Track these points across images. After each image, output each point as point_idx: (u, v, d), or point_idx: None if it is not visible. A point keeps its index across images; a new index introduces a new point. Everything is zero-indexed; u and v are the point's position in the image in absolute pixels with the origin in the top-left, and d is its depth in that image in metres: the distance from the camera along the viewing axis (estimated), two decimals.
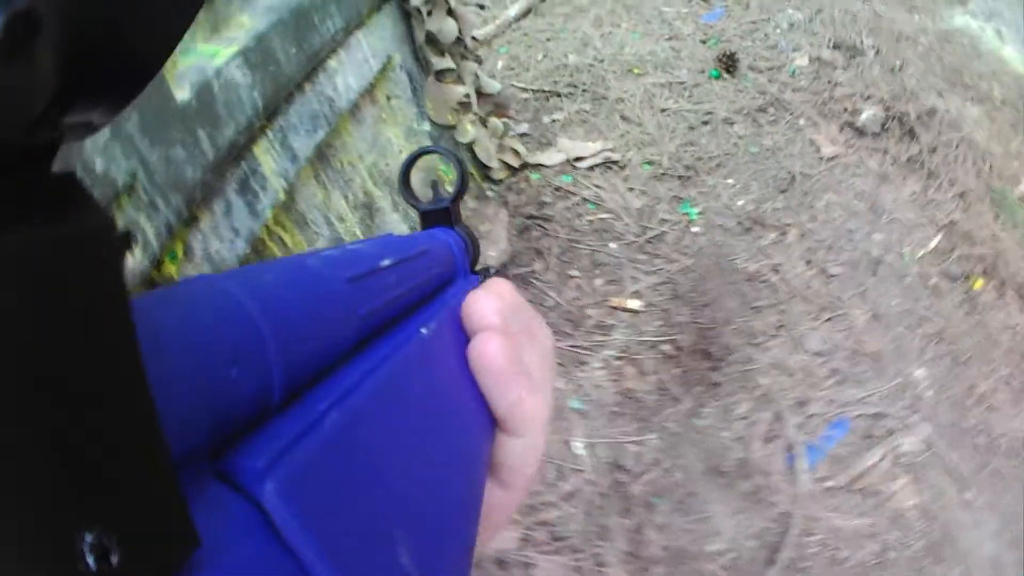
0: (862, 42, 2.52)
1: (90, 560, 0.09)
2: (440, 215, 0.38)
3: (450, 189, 0.38)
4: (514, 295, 0.29)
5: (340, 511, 0.16)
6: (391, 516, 0.19)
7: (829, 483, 1.54)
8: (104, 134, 0.74)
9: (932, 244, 2.01)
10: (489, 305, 0.27)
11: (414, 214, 0.39)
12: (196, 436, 0.14)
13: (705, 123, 2.03)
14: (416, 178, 0.40)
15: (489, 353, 0.26)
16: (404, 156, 1.56)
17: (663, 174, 1.88)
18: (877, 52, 2.50)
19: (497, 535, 0.30)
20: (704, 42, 2.37)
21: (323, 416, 0.17)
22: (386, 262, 0.25)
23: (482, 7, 2.46)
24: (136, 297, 0.13)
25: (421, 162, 0.41)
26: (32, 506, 0.09)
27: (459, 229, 0.37)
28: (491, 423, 0.27)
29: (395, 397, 0.21)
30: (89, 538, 0.10)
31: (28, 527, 0.09)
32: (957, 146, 2.30)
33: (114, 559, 0.10)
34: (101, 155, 0.73)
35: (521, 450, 0.27)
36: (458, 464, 0.24)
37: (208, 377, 0.14)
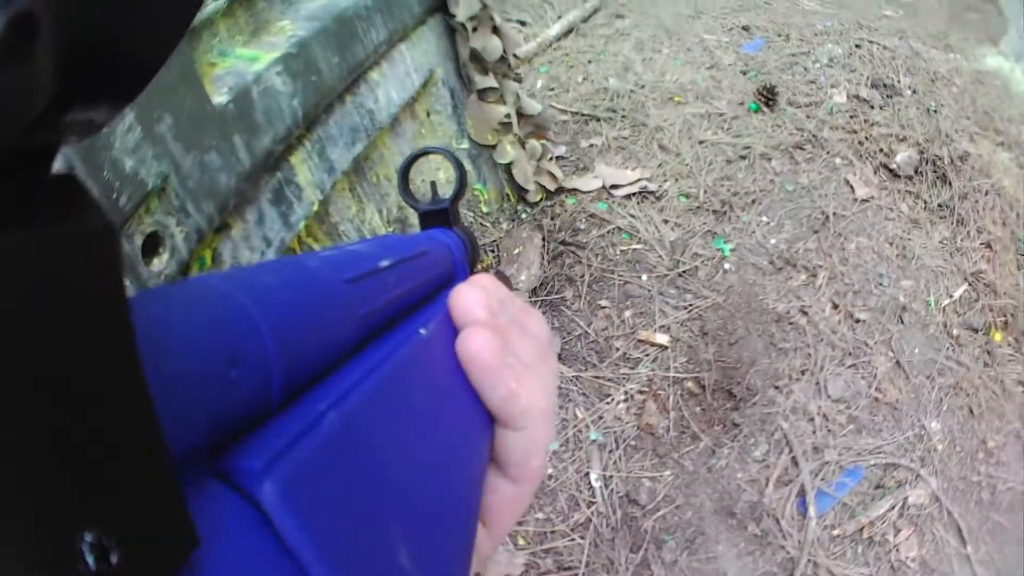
0: (899, 81, 2.51)
1: (90, 560, 0.10)
2: (439, 216, 0.38)
3: (449, 190, 0.38)
4: (499, 287, 0.29)
5: (339, 511, 0.16)
6: (390, 516, 0.19)
7: (836, 531, 1.56)
8: (136, 134, 0.73)
9: (957, 294, 2.01)
10: (473, 299, 0.27)
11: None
12: (196, 436, 0.14)
13: (743, 157, 2.02)
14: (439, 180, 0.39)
15: (475, 347, 0.25)
16: (441, 173, 1.56)
17: (699, 207, 1.87)
18: (914, 92, 2.50)
19: (510, 530, 0.30)
20: (744, 73, 2.35)
21: (322, 416, 0.17)
22: (385, 263, 0.25)
23: (523, 24, 2.44)
24: (135, 297, 0.13)
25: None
26: (32, 506, 0.09)
27: (458, 230, 0.37)
28: (490, 421, 0.27)
29: (394, 398, 0.21)
30: (89, 538, 0.10)
31: (28, 527, 0.09)
32: (987, 193, 2.30)
33: (114, 559, 0.10)
34: (131, 155, 0.72)
35: (524, 443, 0.27)
36: (457, 463, 0.24)
37: (207, 377, 0.14)
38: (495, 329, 0.26)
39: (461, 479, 0.24)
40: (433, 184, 0.38)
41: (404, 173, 0.39)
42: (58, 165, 0.11)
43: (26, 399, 0.09)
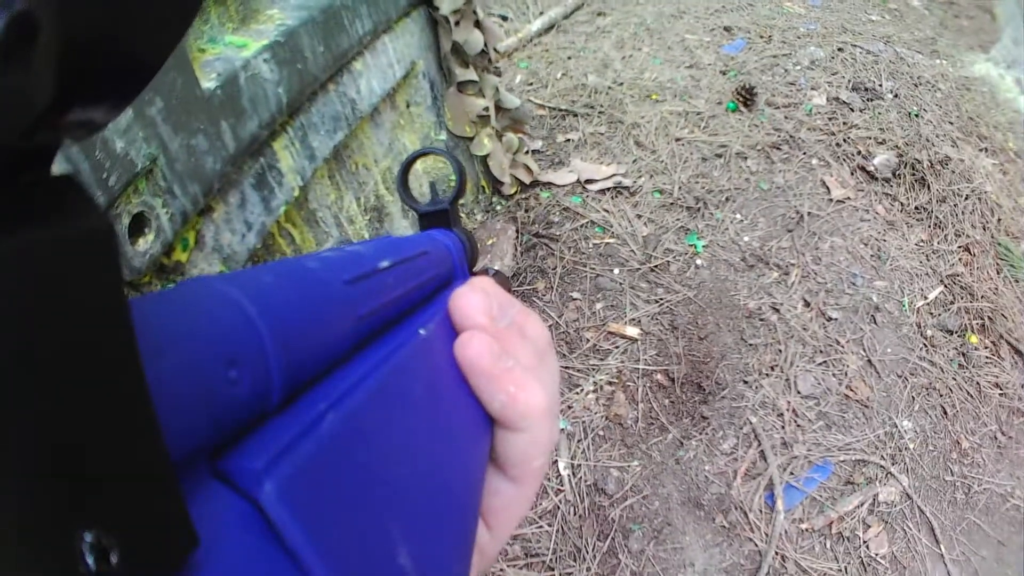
0: (881, 85, 2.53)
1: (89, 560, 0.10)
2: (438, 217, 0.37)
3: (449, 191, 0.38)
4: (499, 291, 0.29)
5: (339, 511, 0.16)
6: (390, 516, 0.19)
7: (804, 525, 1.56)
8: (127, 115, 0.73)
9: (932, 295, 2.02)
10: (475, 303, 0.27)
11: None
12: (195, 437, 0.14)
13: (718, 156, 2.03)
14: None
15: (473, 352, 0.26)
16: (418, 163, 1.57)
17: (672, 204, 1.88)
18: (895, 96, 2.51)
19: (512, 530, 0.30)
20: (724, 73, 2.37)
21: (322, 417, 0.17)
22: (385, 263, 0.25)
23: (505, 19, 2.45)
24: (135, 298, 0.13)
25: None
26: (32, 506, 0.09)
27: (457, 231, 0.37)
28: (490, 421, 0.27)
29: (394, 398, 0.21)
30: (88, 538, 0.10)
31: (28, 528, 0.09)
32: (967, 197, 2.31)
33: (113, 559, 0.10)
34: (122, 136, 0.73)
35: (524, 445, 0.27)
36: (457, 463, 0.24)
37: (207, 378, 0.14)
38: (494, 334, 0.27)
39: (462, 479, 0.24)
40: (433, 185, 0.39)
41: (404, 174, 0.39)
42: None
43: (26, 400, 0.09)
